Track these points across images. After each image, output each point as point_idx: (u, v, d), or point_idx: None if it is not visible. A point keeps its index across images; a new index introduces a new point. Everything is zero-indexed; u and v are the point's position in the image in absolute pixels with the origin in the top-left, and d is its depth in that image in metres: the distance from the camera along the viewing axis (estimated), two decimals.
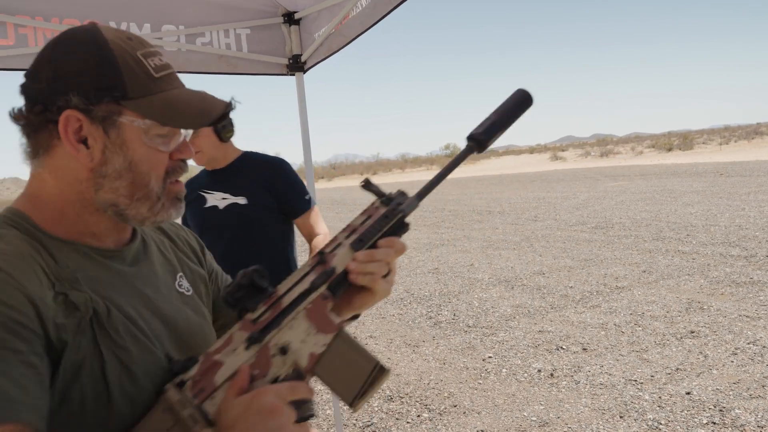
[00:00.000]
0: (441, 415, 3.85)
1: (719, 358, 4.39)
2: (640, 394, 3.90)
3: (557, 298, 6.49)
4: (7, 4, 2.31)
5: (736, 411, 3.54)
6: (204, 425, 0.84)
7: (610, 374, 4.27)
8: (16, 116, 0.87)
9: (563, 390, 4.07)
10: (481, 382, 4.36)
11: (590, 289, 6.70)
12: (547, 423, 3.59)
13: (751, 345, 4.60)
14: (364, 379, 0.94)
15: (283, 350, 0.91)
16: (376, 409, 4.05)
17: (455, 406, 3.95)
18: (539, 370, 4.46)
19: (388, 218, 1.02)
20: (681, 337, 4.91)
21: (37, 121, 0.85)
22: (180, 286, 1.04)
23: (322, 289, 0.96)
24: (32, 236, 0.86)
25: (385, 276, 0.99)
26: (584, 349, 4.83)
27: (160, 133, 0.88)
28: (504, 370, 4.52)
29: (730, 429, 3.34)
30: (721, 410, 3.57)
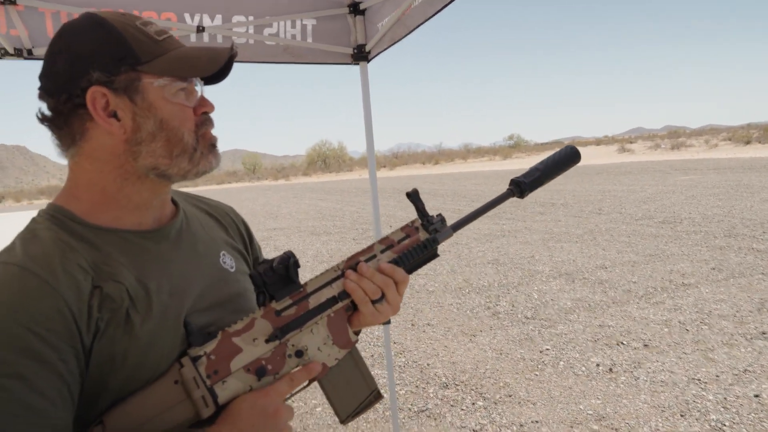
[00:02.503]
0: (496, 404, 3.84)
1: None
2: (704, 393, 3.77)
3: (619, 293, 6.32)
4: None
5: None
6: (212, 410, 0.86)
7: (671, 372, 4.14)
8: (43, 117, 0.91)
9: (622, 385, 3.97)
10: (537, 373, 4.31)
11: (654, 285, 6.49)
12: (603, 417, 3.53)
13: None
14: (361, 401, 1.00)
15: (299, 353, 0.93)
16: (431, 395, 4.07)
17: (510, 396, 3.92)
18: (598, 365, 4.37)
19: (425, 248, 1.05)
20: (751, 338, 4.70)
21: (66, 110, 0.88)
22: (224, 263, 1.06)
23: (347, 301, 0.98)
24: (71, 230, 0.89)
25: (376, 301, 0.99)
26: (645, 346, 4.69)
27: (180, 88, 0.91)
28: (561, 363, 4.46)
29: None
30: None
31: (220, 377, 0.87)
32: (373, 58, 2.81)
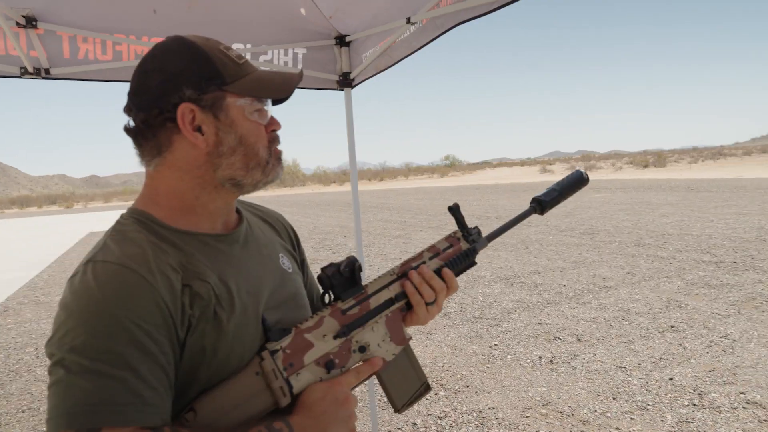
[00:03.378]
0: (456, 393, 3.90)
1: (696, 350, 4.43)
2: (630, 379, 3.94)
3: (552, 294, 6.53)
4: (109, 25, 2.38)
5: (713, 395, 3.59)
6: (289, 399, 0.87)
7: (602, 362, 4.32)
8: (131, 130, 0.91)
9: (562, 374, 4.11)
10: (489, 366, 4.40)
11: (581, 288, 6.74)
12: (549, 402, 3.64)
13: (723, 339, 4.64)
14: (414, 392, 1.03)
15: (362, 349, 0.95)
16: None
17: (467, 387, 4.00)
18: (540, 357, 4.51)
19: (468, 257, 1.08)
20: (663, 331, 4.95)
21: (156, 123, 0.88)
22: (283, 264, 1.06)
23: (402, 302, 1.00)
24: (156, 233, 0.89)
25: (429, 304, 1.02)
26: (579, 340, 4.87)
27: (256, 108, 0.92)
28: (509, 356, 4.57)
29: (707, 410, 3.39)
30: (699, 394, 3.62)
31: (295, 370, 0.88)
32: (356, 84, 2.84)
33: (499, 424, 3.40)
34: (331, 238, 13.06)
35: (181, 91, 0.87)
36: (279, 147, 0.98)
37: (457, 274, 1.06)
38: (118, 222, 0.91)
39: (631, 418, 3.36)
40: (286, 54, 2.73)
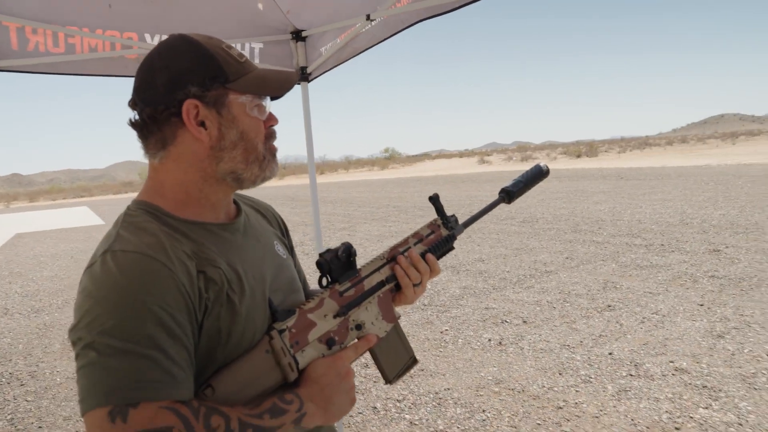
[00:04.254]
0: (412, 377, 4.06)
1: (631, 326, 4.79)
2: (573, 356, 4.23)
3: (497, 280, 6.83)
4: (60, 16, 2.33)
5: (647, 365, 3.92)
6: (296, 374, 0.94)
7: (547, 341, 4.60)
8: (136, 123, 0.96)
9: (511, 355, 4.36)
10: (441, 350, 4.60)
11: (524, 273, 7.08)
12: (500, 381, 3.87)
13: (654, 315, 5.04)
14: (403, 364, 1.13)
15: (359, 327, 1.04)
16: (356, 374, 4.21)
17: (423, 370, 4.17)
18: (489, 339, 4.74)
19: (448, 242, 1.21)
20: (601, 310, 5.31)
21: (162, 118, 0.93)
22: (278, 251, 1.12)
23: (392, 284, 1.11)
24: (166, 223, 0.93)
25: (416, 285, 1.12)
26: (524, 322, 5.15)
27: (256, 104, 0.97)
28: (460, 340, 4.78)
29: (643, 379, 3.71)
30: (635, 365, 3.94)
31: (300, 347, 0.95)
32: (314, 78, 2.92)
33: (455, 403, 3.59)
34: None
35: (187, 88, 0.92)
36: (275, 143, 1.03)
37: (438, 258, 1.17)
38: (126, 214, 0.95)
39: (576, 391, 3.63)
40: (243, 49, 2.77)
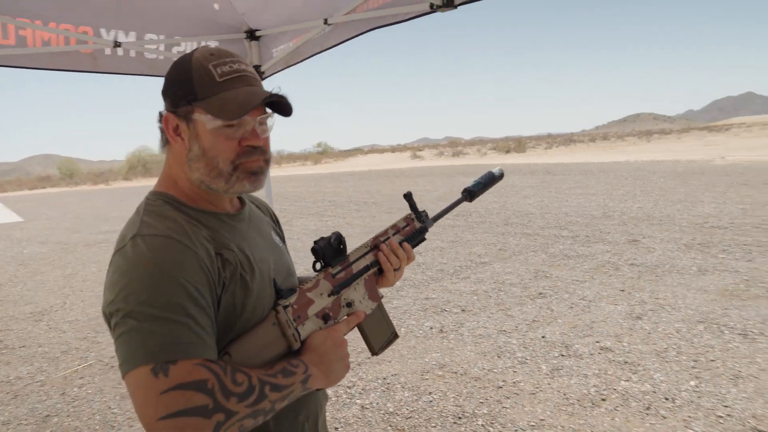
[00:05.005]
0: (360, 365, 4.25)
1: (561, 311, 5.20)
2: (510, 340, 4.56)
3: (435, 272, 7.12)
4: (10, 7, 2.32)
5: (576, 346, 4.30)
6: (299, 344, 1.08)
7: (485, 327, 4.91)
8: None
9: (452, 341, 4.63)
10: None
11: (460, 264, 7.42)
12: (444, 365, 4.13)
13: (581, 300, 5.47)
14: (387, 338, 1.31)
15: (349, 304, 1.20)
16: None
17: (369, 359, 4.37)
18: (431, 327, 5.00)
19: (421, 233, 1.40)
20: (533, 298, 5.70)
21: (162, 121, 1.10)
22: (276, 240, 1.25)
23: (375, 269, 1.28)
24: (185, 212, 1.05)
25: (396, 269, 1.28)
26: (463, 310, 5.45)
27: (225, 125, 1.03)
28: (403, 329, 5.01)
29: (573, 358, 4.07)
30: (566, 346, 4.31)
31: (301, 321, 1.09)
32: (266, 78, 3.02)
33: (403, 387, 3.81)
34: None
35: (174, 100, 1.06)
36: (253, 160, 1.08)
37: (413, 247, 1.36)
38: (147, 203, 1.08)
39: (514, 371, 3.94)
40: (199, 46, 2.84)
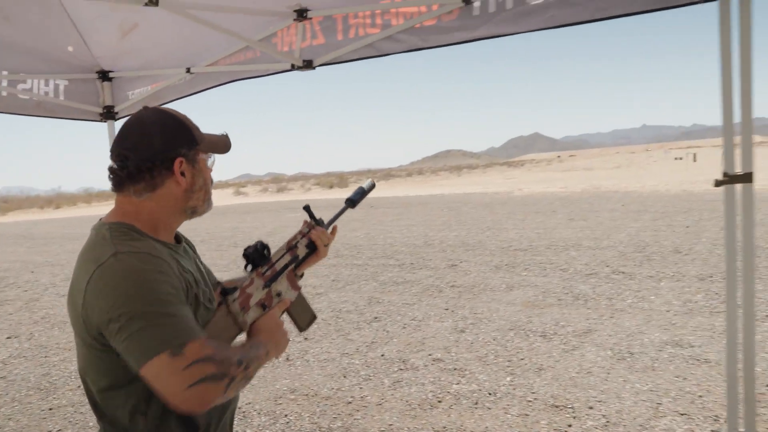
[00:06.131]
0: None
1: (396, 332, 5.77)
2: (353, 361, 4.97)
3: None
4: None
5: (412, 360, 4.86)
6: (247, 328, 1.41)
7: (329, 352, 5.27)
8: (124, 171, 1.29)
9: (299, 367, 4.91)
10: None
11: None
12: (295, 389, 4.39)
13: (413, 321, 6.12)
14: (309, 318, 1.65)
15: (279, 294, 1.52)
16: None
17: None
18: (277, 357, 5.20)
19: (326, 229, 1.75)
20: (369, 322, 6.21)
21: (156, 169, 1.29)
22: (200, 266, 1.49)
23: (292, 266, 1.60)
24: (146, 240, 1.26)
25: (326, 246, 1.64)
26: (305, 339, 5.75)
27: (211, 161, 1.39)
28: None
29: (410, 370, 4.61)
30: (403, 361, 4.85)
31: (246, 310, 1.41)
32: (120, 118, 3.11)
33: (259, 413, 3.98)
34: (15, 275, 11.39)
35: (177, 149, 1.30)
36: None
37: None
38: (112, 230, 1.27)
39: (360, 388, 4.34)
40: (46, 84, 2.85)
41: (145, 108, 1.37)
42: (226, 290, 1.42)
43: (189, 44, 2.53)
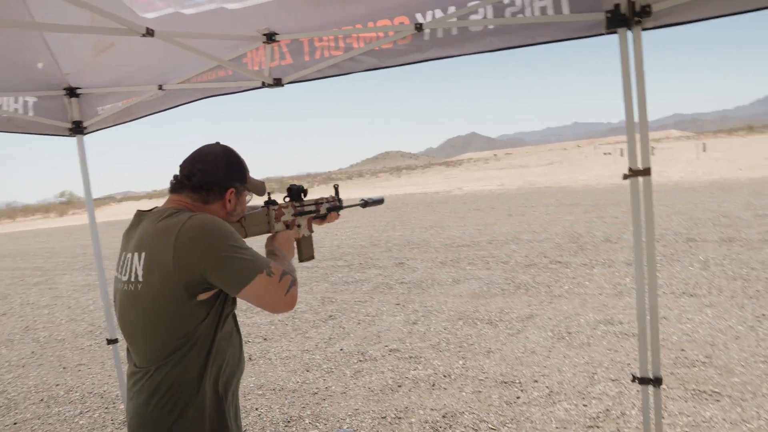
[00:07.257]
0: None
1: (351, 327, 6.06)
2: (314, 356, 5.23)
3: None
4: None
5: (370, 351, 5.17)
6: (274, 231, 1.89)
7: (289, 350, 5.51)
8: (193, 185, 1.63)
9: (263, 366, 5.12)
10: None
11: None
12: (261, 386, 4.61)
13: (367, 317, 6.44)
14: (309, 255, 2.09)
15: (299, 226, 2.00)
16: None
17: None
18: None
19: (338, 208, 2.17)
20: (325, 320, 6.48)
21: (213, 191, 1.64)
22: None
23: (313, 214, 2.06)
24: None
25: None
26: (265, 339, 5.96)
27: (249, 197, 1.78)
28: None
29: (369, 361, 4.92)
30: (362, 353, 5.15)
31: (277, 220, 1.90)
32: (89, 132, 3.25)
33: None
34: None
35: (234, 182, 1.67)
36: None
37: (332, 212, 2.14)
38: (176, 208, 1.60)
39: (324, 380, 4.61)
40: (16, 101, 2.97)
41: (218, 143, 1.73)
42: (268, 201, 1.88)
43: (162, 62, 2.72)
